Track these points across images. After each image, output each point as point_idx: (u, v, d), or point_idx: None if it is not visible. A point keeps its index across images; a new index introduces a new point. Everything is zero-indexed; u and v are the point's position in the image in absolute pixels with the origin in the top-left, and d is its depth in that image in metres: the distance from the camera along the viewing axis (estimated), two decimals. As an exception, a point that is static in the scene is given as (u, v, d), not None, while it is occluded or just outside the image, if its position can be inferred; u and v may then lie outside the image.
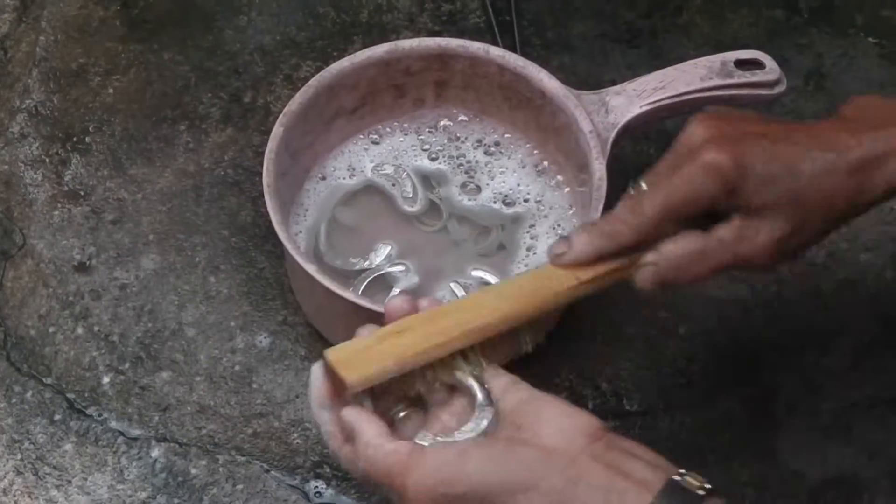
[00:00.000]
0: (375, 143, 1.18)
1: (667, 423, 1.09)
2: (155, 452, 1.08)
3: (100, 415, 1.09)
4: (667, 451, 1.05)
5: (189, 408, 1.10)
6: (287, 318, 1.14)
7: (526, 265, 1.11)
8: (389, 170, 1.17)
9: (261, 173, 1.06)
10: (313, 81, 1.12)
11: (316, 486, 1.06)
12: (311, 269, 1.01)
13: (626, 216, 0.89)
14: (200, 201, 1.20)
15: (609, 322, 1.12)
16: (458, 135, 1.19)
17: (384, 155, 1.18)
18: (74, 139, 1.24)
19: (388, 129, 1.19)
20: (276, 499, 1.06)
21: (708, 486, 0.76)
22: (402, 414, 0.83)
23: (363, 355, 0.83)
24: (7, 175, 1.22)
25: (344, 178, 1.17)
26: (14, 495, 1.05)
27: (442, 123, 1.19)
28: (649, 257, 0.89)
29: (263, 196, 1.05)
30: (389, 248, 1.12)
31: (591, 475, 0.76)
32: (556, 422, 0.79)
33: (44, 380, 1.11)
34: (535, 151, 1.17)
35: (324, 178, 1.16)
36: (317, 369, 0.84)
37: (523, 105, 1.15)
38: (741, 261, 0.88)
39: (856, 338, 1.13)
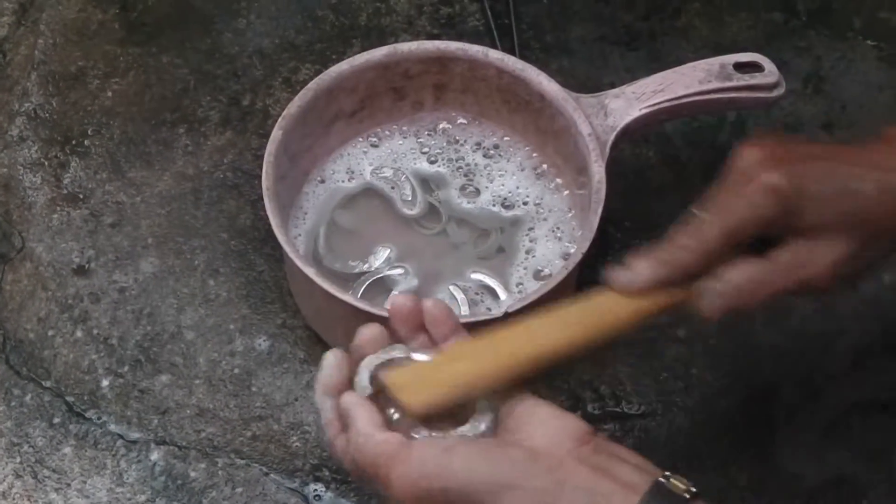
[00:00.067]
0: (374, 146, 1.19)
1: (665, 426, 1.09)
2: (154, 455, 1.08)
3: (99, 418, 1.09)
4: (665, 454, 1.06)
5: (188, 411, 1.10)
6: (286, 321, 1.14)
7: (525, 268, 1.11)
8: (388, 173, 1.17)
9: (260, 176, 1.06)
10: (312, 84, 1.12)
11: (315, 489, 1.06)
12: (310, 272, 1.01)
13: (686, 242, 0.88)
14: (199, 204, 1.20)
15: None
16: (457, 138, 1.19)
17: (383, 158, 1.18)
18: (73, 142, 1.24)
19: (387, 132, 1.19)
20: (275, 502, 1.06)
21: (693, 489, 0.76)
22: (397, 415, 0.83)
23: (423, 380, 0.83)
24: (6, 178, 1.22)
25: (343, 181, 1.17)
26: (13, 498, 1.05)
27: (441, 126, 1.19)
28: (714, 285, 0.87)
29: (262, 199, 1.05)
30: (388, 251, 1.12)
31: (576, 477, 0.76)
32: (544, 425, 0.80)
33: (43, 383, 1.11)
34: (534, 154, 1.17)
35: (323, 182, 1.16)
36: (330, 357, 0.84)
37: (522, 108, 1.15)
38: (803, 284, 0.87)
39: (854, 341, 1.13)
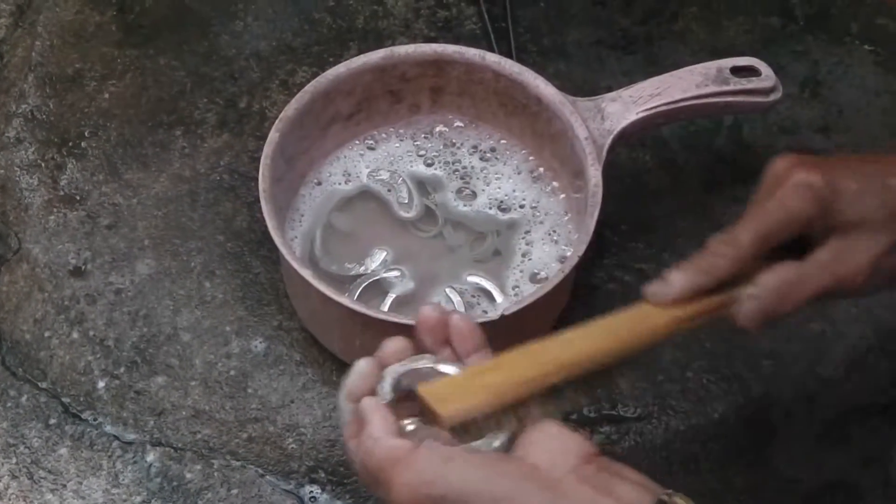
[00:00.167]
0: (371, 148, 1.19)
1: (661, 430, 1.09)
2: (150, 457, 1.08)
3: (95, 419, 1.09)
4: (661, 458, 1.06)
5: (184, 412, 1.09)
6: (282, 324, 1.13)
7: (521, 271, 1.11)
8: (385, 175, 1.17)
9: (256, 178, 1.06)
10: (309, 87, 1.12)
11: (311, 491, 1.06)
12: (306, 274, 1.01)
13: (722, 249, 0.88)
14: (196, 206, 1.20)
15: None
16: (454, 141, 1.19)
17: (380, 160, 1.18)
18: (70, 144, 1.24)
19: (383, 135, 1.19)
20: (270, 504, 1.06)
21: None
22: (411, 427, 0.83)
23: (457, 390, 0.82)
24: (3, 179, 1.22)
25: (340, 184, 1.17)
26: (9, 499, 1.05)
27: (438, 129, 1.20)
28: (750, 290, 0.87)
29: (259, 201, 1.05)
30: (385, 253, 1.12)
31: (576, 495, 0.76)
32: (546, 442, 0.79)
33: (39, 384, 1.11)
34: (531, 158, 1.17)
35: (319, 184, 1.16)
36: (361, 364, 0.84)
37: (519, 111, 1.15)
38: (841, 282, 0.87)
39: (851, 345, 1.13)
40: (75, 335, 1.13)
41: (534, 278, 1.11)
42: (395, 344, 0.85)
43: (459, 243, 1.13)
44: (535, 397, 0.83)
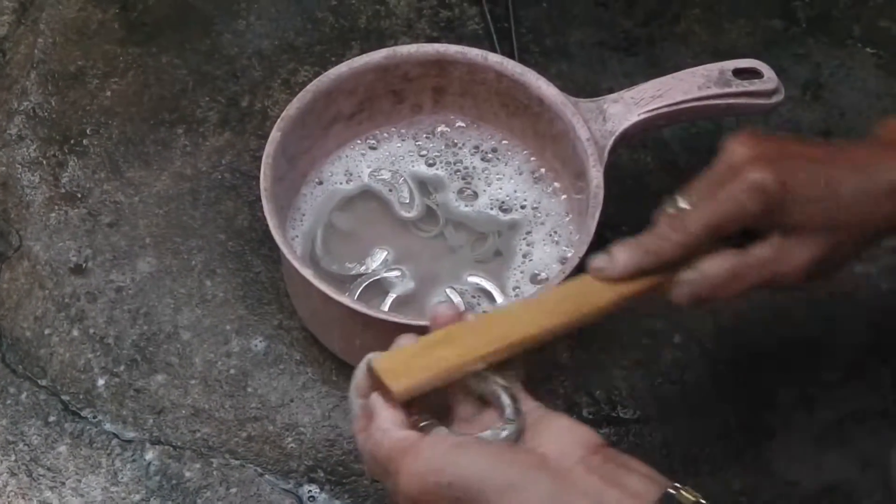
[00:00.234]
0: (373, 148, 1.19)
1: (660, 432, 1.09)
2: (149, 455, 1.08)
3: (94, 417, 1.09)
4: (660, 460, 1.06)
5: (184, 411, 1.10)
6: (282, 323, 1.14)
7: (522, 272, 1.11)
8: (386, 175, 1.17)
9: (258, 177, 1.06)
10: (311, 86, 1.12)
11: (310, 490, 1.06)
12: (307, 273, 1.01)
13: (669, 233, 0.89)
14: (197, 205, 1.20)
15: (603, 330, 1.12)
16: (456, 141, 1.19)
17: (381, 160, 1.18)
18: (72, 141, 1.24)
19: (385, 135, 1.19)
20: (269, 503, 1.06)
21: (703, 501, 0.76)
22: (423, 424, 0.83)
23: (409, 364, 0.83)
24: (4, 177, 1.22)
25: (341, 183, 1.17)
26: (8, 496, 1.05)
27: (439, 129, 1.20)
28: (688, 275, 0.89)
29: (260, 200, 1.05)
30: (386, 253, 1.12)
31: (584, 485, 0.76)
32: (556, 433, 0.80)
33: (39, 381, 1.11)
34: (533, 158, 1.17)
35: (321, 183, 1.16)
36: (370, 359, 0.85)
37: (521, 112, 1.15)
38: (776, 279, 0.89)
39: (850, 348, 1.13)
40: (75, 333, 1.13)
41: (534, 279, 1.11)
42: (406, 341, 0.86)
43: (460, 243, 1.13)
44: (481, 373, 0.84)
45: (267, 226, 1.04)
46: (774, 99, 1.12)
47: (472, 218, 1.15)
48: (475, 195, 1.16)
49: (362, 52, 1.17)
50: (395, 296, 1.10)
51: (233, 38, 1.31)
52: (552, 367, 1.11)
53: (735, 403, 1.10)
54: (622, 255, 0.89)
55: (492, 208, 1.15)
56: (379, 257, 1.12)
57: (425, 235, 1.14)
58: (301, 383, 1.10)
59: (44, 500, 1.05)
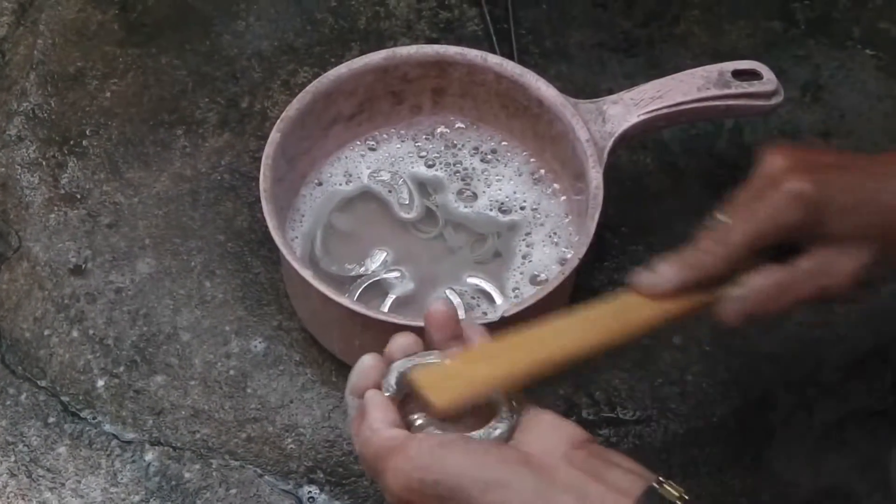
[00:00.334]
0: (372, 149, 1.19)
1: (660, 433, 1.09)
2: (149, 456, 1.08)
3: (94, 418, 1.09)
4: (660, 461, 1.06)
5: (183, 412, 1.10)
6: (282, 324, 1.14)
7: (521, 273, 1.11)
8: (386, 176, 1.17)
9: (257, 178, 1.06)
10: (311, 87, 1.12)
11: (309, 492, 1.06)
12: (306, 274, 1.01)
13: (711, 247, 0.88)
14: (197, 206, 1.20)
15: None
16: (455, 142, 1.19)
17: (381, 161, 1.18)
18: (71, 142, 1.24)
19: (384, 136, 1.19)
20: (269, 503, 1.06)
21: (686, 496, 0.76)
22: (419, 421, 0.83)
23: (450, 379, 0.83)
24: (3, 177, 1.22)
25: (340, 184, 1.17)
26: (7, 497, 1.05)
27: (439, 130, 1.20)
28: (736, 291, 0.88)
29: (260, 201, 1.05)
30: (385, 254, 1.12)
31: (567, 479, 0.77)
32: (541, 430, 0.81)
33: (38, 382, 1.11)
34: (532, 159, 1.17)
35: (320, 184, 1.16)
36: (366, 360, 0.85)
37: (520, 113, 1.15)
38: (824, 291, 0.88)
39: (849, 350, 1.13)
40: (75, 334, 1.13)
41: (534, 280, 1.11)
42: (403, 339, 0.86)
43: (460, 245, 1.13)
44: (526, 385, 0.84)
45: (266, 227, 1.04)
46: (774, 100, 1.12)
47: (471, 219, 1.15)
48: (475, 196, 1.16)
49: (362, 53, 1.17)
50: (394, 297, 1.10)
51: (232, 39, 1.31)
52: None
53: (734, 405, 1.10)
54: (666, 269, 0.88)
55: (491, 209, 1.15)
56: (378, 258, 1.12)
57: (425, 236, 1.14)
58: (300, 384, 1.10)
59: (43, 500, 1.05)
